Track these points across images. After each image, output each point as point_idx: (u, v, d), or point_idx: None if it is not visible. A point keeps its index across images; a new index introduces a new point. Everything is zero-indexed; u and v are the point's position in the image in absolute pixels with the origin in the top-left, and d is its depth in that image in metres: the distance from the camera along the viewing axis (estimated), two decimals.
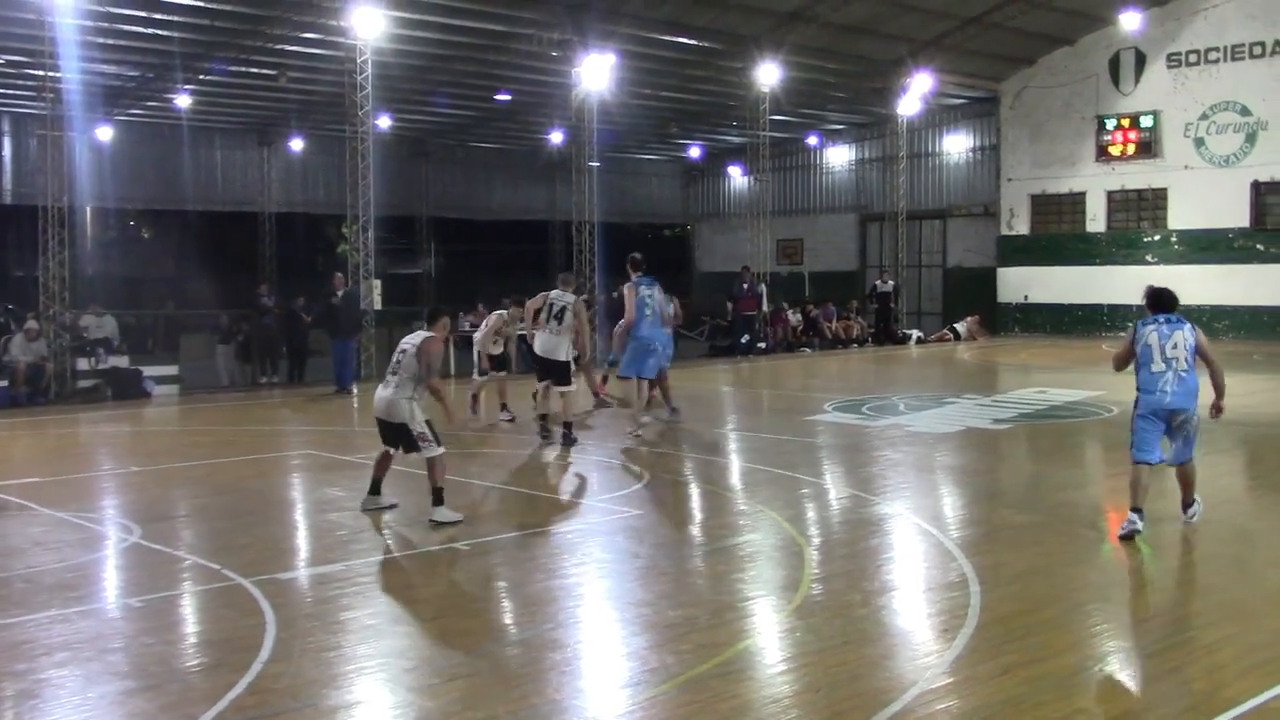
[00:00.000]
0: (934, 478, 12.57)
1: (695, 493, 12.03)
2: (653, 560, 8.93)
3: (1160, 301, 9.34)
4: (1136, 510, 8.99)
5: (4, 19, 21.89)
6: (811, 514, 10.80)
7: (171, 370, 22.33)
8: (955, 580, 8.02)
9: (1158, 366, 9.07)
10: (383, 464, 10.40)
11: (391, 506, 10.40)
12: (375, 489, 10.44)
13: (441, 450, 9.99)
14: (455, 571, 8.70)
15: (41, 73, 23.34)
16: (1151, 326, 9.18)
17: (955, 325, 34.65)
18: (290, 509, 11.50)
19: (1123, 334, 9.43)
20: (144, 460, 14.08)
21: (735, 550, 9.26)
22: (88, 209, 35.63)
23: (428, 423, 10.02)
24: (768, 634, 7.19)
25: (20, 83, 27.32)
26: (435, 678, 6.33)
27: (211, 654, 6.81)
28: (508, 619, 7.65)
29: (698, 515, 11.08)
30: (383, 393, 10.14)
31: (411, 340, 10.18)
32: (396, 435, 10.11)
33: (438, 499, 9.95)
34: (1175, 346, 9.07)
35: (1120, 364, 9.48)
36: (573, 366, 14.39)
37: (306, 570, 8.85)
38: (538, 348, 14.64)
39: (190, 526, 10.50)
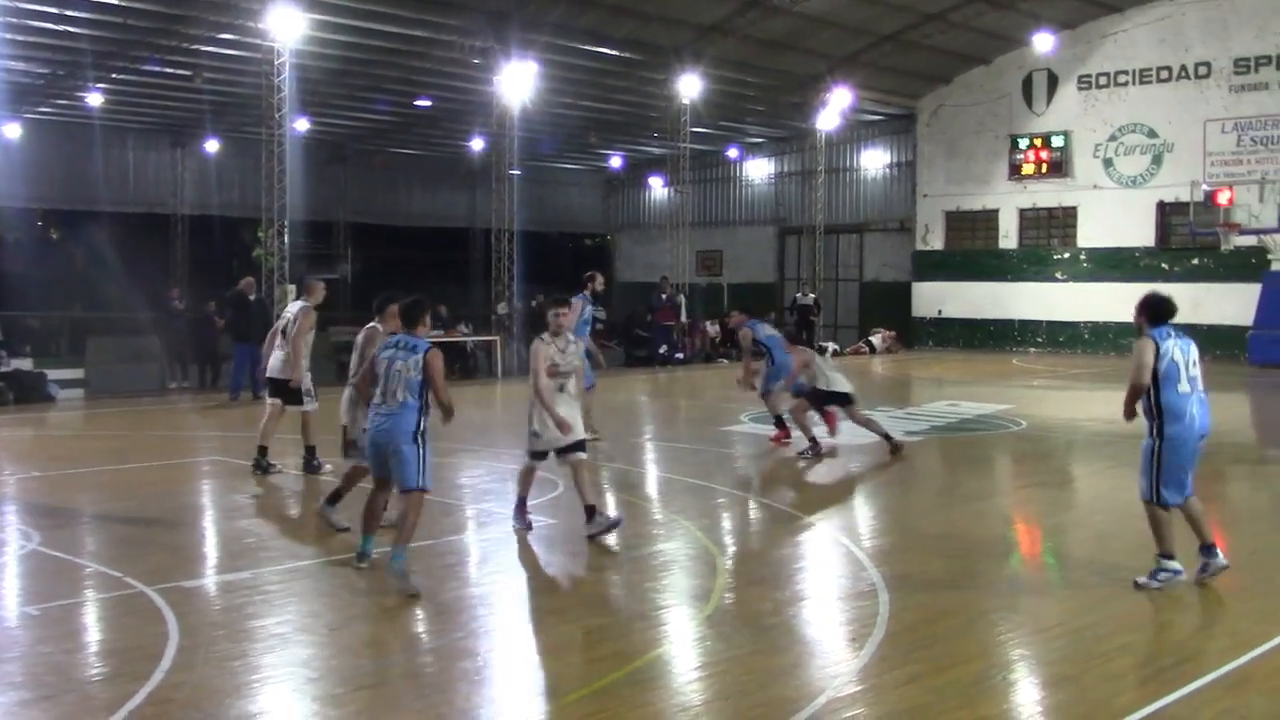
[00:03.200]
0: (847, 488, 12.71)
1: (611, 501, 12.01)
2: (566, 569, 8.91)
3: (1169, 311, 8.13)
4: (1171, 556, 7.98)
5: None
6: (726, 524, 10.85)
7: (77, 374, 21.82)
8: (865, 589, 8.11)
9: (1184, 387, 7.93)
10: (352, 478, 9.82)
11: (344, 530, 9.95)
12: (337, 499, 9.83)
13: (313, 408, 10.06)
14: (366, 580, 8.60)
15: None
16: (1173, 340, 7.97)
17: (870, 338, 35.08)
18: (197, 516, 11.28)
19: (1133, 353, 8.10)
20: (45, 465, 13.73)
21: (649, 559, 9.27)
22: None
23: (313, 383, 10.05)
24: (680, 642, 7.21)
25: None
26: (342, 687, 6.25)
27: (112, 663, 6.66)
28: (419, 627, 7.58)
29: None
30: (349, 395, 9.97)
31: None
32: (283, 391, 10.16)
33: (335, 499, 9.77)
34: (1195, 364, 8.02)
35: (1141, 389, 7.93)
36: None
37: (213, 578, 8.70)
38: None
39: (92, 533, 10.26)
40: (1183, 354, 7.98)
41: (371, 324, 10.07)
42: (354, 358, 10.10)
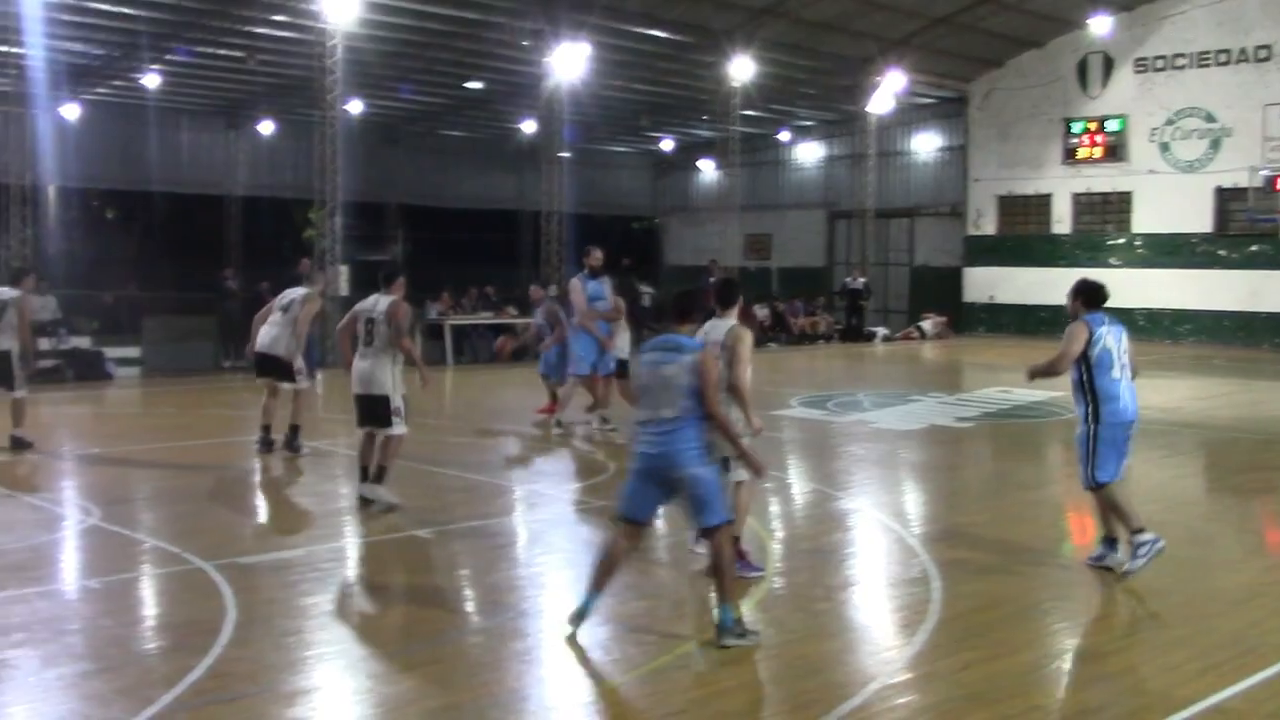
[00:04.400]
0: (897, 474, 12.65)
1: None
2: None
3: (1103, 297, 8.35)
4: (1142, 530, 7.91)
5: None
6: (775, 508, 10.82)
7: (134, 352, 22.13)
8: (917, 576, 8.07)
9: (1116, 373, 8.10)
10: (368, 450, 9.96)
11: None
12: (367, 476, 9.97)
13: (405, 431, 9.92)
14: (418, 559, 8.68)
15: (6, 49, 23.10)
16: (1106, 327, 8.19)
17: (921, 323, 34.84)
18: (252, 493, 11.42)
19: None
20: (103, 442, 13.95)
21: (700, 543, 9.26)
22: (51, 188, 35.23)
23: (404, 398, 9.96)
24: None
25: None
26: (395, 665, 6.31)
27: (170, 637, 6.77)
28: (470, 607, 7.64)
29: (662, 508, 11.07)
30: (361, 364, 9.89)
31: (376, 307, 9.91)
32: (375, 410, 9.86)
33: (382, 477, 9.80)
34: (1125, 352, 8.21)
35: (1060, 373, 8.19)
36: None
37: (268, 555, 8.80)
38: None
39: (150, 509, 10.42)
40: (1115, 340, 8.18)
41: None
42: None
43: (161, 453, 12.83)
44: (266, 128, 36.34)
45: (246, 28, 25.80)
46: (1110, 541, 8.19)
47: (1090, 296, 8.30)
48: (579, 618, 6.66)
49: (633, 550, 7.03)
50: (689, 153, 43.84)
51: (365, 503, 9.84)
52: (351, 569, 8.55)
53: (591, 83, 28.83)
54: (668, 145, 44.06)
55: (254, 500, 11.15)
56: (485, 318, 26.94)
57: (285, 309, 12.40)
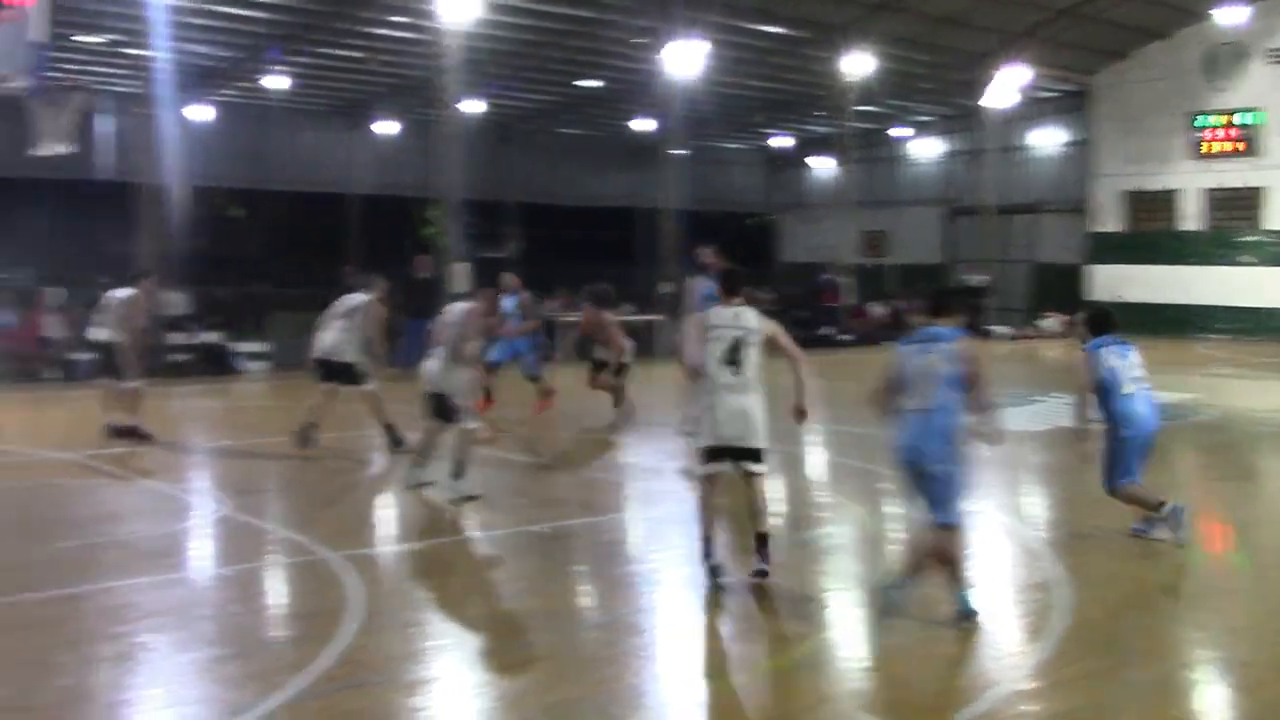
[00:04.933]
0: (1022, 476, 12.38)
1: (777, 484, 11.96)
2: (732, 550, 8.89)
3: (1108, 323, 9.11)
4: (1162, 503, 8.64)
5: None
6: (893, 509, 10.68)
7: (262, 347, 22.73)
8: (1041, 581, 7.90)
9: (1128, 389, 8.61)
10: (434, 435, 10.41)
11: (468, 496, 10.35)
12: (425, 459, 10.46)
13: (477, 426, 10.14)
14: (535, 554, 8.75)
15: (138, 52, 23.89)
16: (1107, 349, 8.78)
17: (1039, 322, 34.09)
18: (375, 486, 11.64)
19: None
20: (233, 434, 14.34)
21: (816, 542, 9.22)
22: (181, 187, 36.33)
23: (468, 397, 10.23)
24: (848, 628, 7.14)
25: (119, 62, 27.90)
26: (514, 658, 6.38)
27: (298, 625, 6.94)
28: (587, 602, 7.68)
29: (778, 506, 11.02)
30: (433, 365, 10.22)
31: (454, 313, 10.37)
32: (441, 406, 10.15)
33: (460, 471, 10.00)
34: (1135, 366, 8.80)
35: (1089, 397, 8.71)
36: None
37: (391, 547, 8.97)
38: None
39: (279, 500, 10.69)
40: (1120, 359, 8.73)
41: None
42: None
43: (288, 445, 13.14)
44: (386, 127, 37.00)
45: (367, 29, 26.32)
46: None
47: (1096, 322, 9.08)
48: (968, 616, 6.78)
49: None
50: (803, 149, 43.53)
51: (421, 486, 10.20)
52: (472, 562, 8.66)
53: (706, 79, 28.78)
54: (782, 142, 43.80)
55: (377, 493, 11.36)
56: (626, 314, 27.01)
57: (348, 316, 12.57)
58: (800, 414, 7.87)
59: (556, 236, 43.18)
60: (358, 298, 12.72)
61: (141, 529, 9.16)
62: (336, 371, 12.54)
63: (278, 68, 29.84)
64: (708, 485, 7.77)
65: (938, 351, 6.82)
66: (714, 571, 7.55)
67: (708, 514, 7.76)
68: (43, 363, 20.22)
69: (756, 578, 7.48)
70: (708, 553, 7.66)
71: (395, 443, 12.44)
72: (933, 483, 6.73)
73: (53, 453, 12.23)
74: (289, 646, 6.53)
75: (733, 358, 7.57)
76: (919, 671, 6.22)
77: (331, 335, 12.53)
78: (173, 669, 6.15)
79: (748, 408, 7.61)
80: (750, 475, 7.67)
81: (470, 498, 9.94)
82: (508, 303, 15.43)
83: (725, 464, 7.69)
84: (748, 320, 7.72)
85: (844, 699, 5.90)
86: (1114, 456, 8.63)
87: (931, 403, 6.75)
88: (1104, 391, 8.60)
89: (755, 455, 7.68)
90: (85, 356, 19.88)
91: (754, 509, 7.69)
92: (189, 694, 5.84)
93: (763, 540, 7.61)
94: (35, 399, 12.74)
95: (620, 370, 15.01)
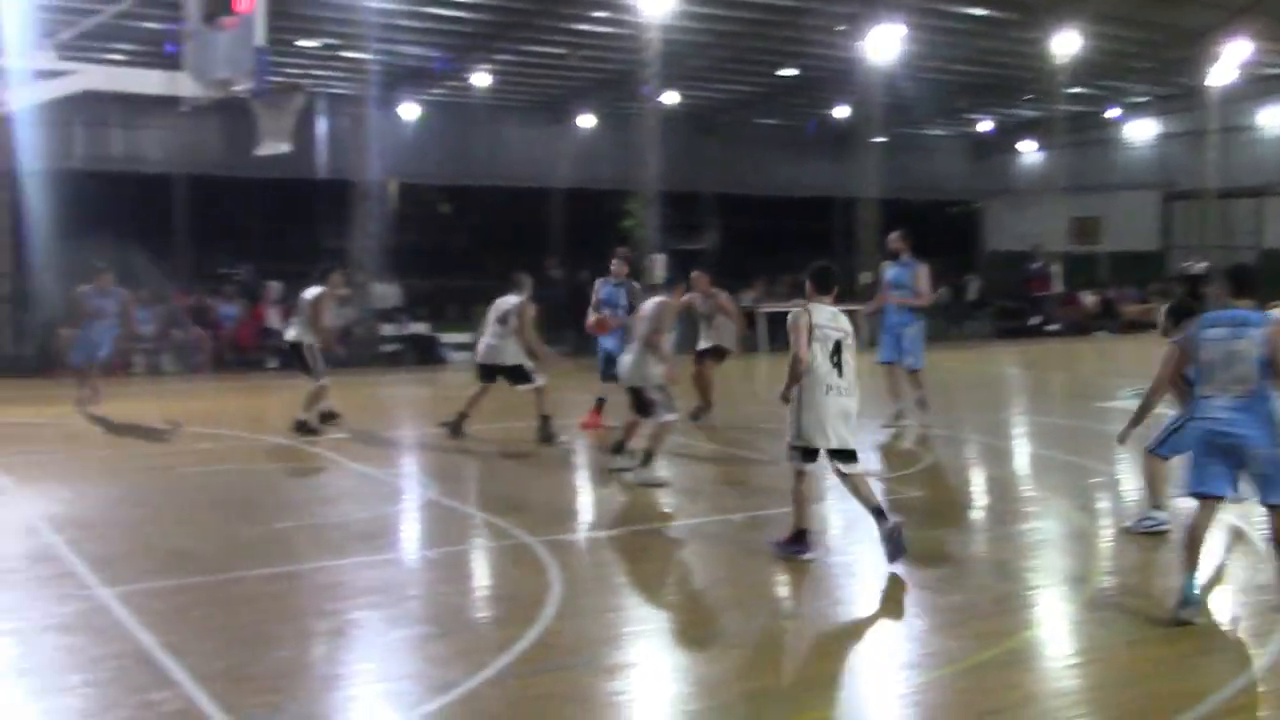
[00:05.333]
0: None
1: (978, 477, 11.68)
2: (932, 543, 8.71)
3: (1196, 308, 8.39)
4: (1159, 508, 8.65)
5: (320, 3, 23.37)
6: (1104, 504, 10.29)
7: (467, 338, 23.40)
8: (1266, 582, 7.46)
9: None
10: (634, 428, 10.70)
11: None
12: (619, 449, 10.84)
13: (674, 418, 10.30)
14: (732, 543, 8.76)
15: (353, 55, 24.87)
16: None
17: (1274, 311, 32.19)
18: (574, 474, 11.85)
19: None
20: (440, 421, 14.78)
21: (1021, 537, 8.95)
22: (392, 184, 37.73)
23: (662, 389, 10.28)
24: (1054, 625, 6.92)
25: (334, 64, 29.10)
26: (710, 645, 6.40)
27: (500, 607, 7.13)
28: (783, 593, 7.64)
29: (982, 499, 10.76)
30: (628, 358, 10.43)
31: (649, 307, 10.50)
32: (638, 400, 10.35)
33: (648, 460, 10.22)
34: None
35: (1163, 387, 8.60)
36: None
37: (590, 533, 9.12)
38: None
39: (482, 486, 10.99)
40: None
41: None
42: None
43: (492, 432, 13.49)
44: (586, 121, 37.56)
45: (569, 25, 26.74)
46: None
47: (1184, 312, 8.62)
48: (1189, 605, 6.61)
49: (1210, 527, 6.87)
50: (1009, 134, 42.22)
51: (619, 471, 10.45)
52: (669, 550, 8.72)
53: (906, 65, 28.22)
54: (986, 126, 42.59)
55: (576, 480, 11.56)
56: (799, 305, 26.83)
57: (502, 320, 12.80)
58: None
59: (754, 227, 43.10)
60: (510, 300, 12.94)
61: (353, 511, 9.55)
62: (503, 373, 12.88)
63: (484, 66, 30.65)
64: (804, 480, 7.96)
65: (1248, 335, 6.64)
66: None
67: (805, 508, 7.96)
68: (264, 352, 21.31)
69: (897, 531, 7.66)
70: (806, 546, 7.84)
71: (546, 438, 12.63)
72: (1261, 467, 6.55)
73: (270, 438, 12.86)
74: (492, 627, 6.71)
75: (835, 359, 7.66)
76: (1128, 672, 5.97)
77: (489, 343, 12.92)
78: (384, 646, 6.40)
79: (851, 409, 7.78)
80: (846, 475, 7.83)
81: (656, 484, 10.07)
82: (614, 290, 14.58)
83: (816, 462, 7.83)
84: (844, 323, 7.83)
85: (1050, 698, 5.71)
86: (1183, 426, 8.33)
87: (1251, 387, 6.58)
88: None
89: (852, 456, 7.81)
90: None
91: (863, 498, 7.86)
92: (398, 670, 6.06)
93: (880, 511, 7.76)
94: (256, 387, 13.46)
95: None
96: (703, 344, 14.51)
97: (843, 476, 7.84)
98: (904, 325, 13.69)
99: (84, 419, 13.94)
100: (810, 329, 7.66)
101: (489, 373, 13.05)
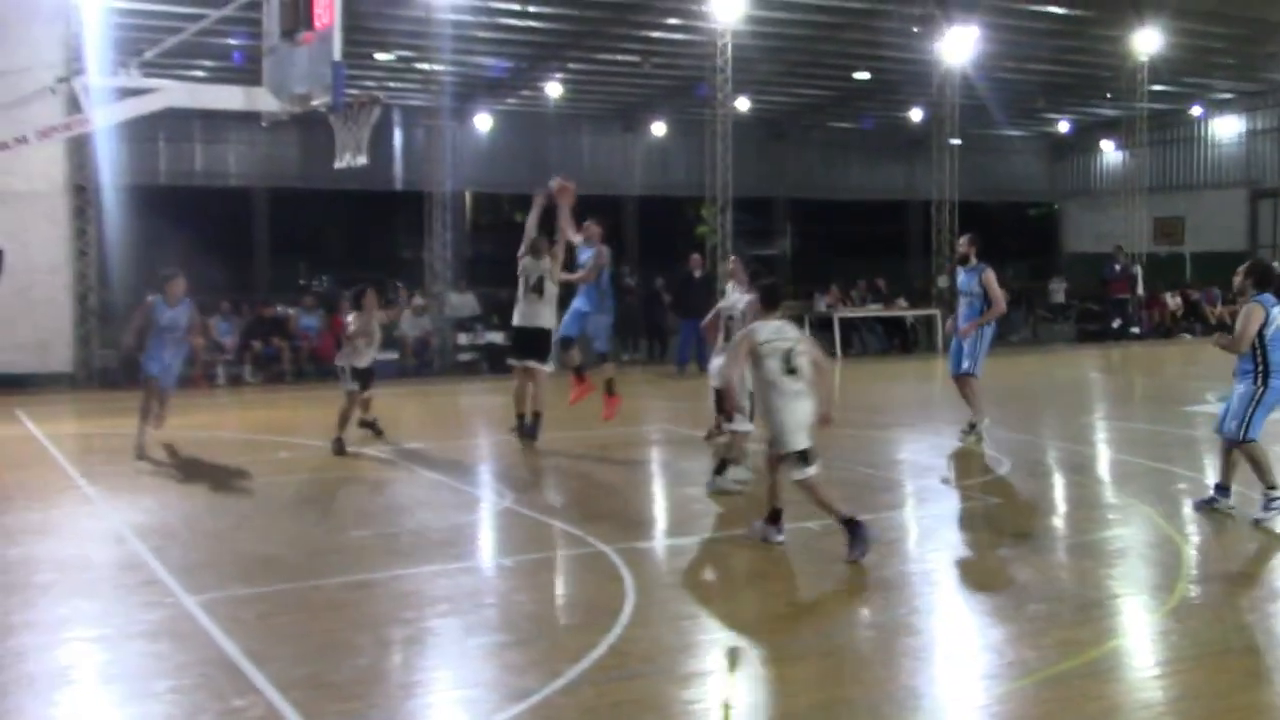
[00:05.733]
0: None
1: (1060, 483, 11.49)
2: (1013, 550, 8.59)
3: (1272, 277, 9.09)
4: (1275, 486, 9.00)
5: (395, 17, 23.66)
6: (1189, 511, 10.07)
7: None
8: None
9: None
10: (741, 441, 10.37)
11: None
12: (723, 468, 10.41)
13: (750, 428, 10.09)
14: (808, 551, 8.69)
15: (427, 67, 25.15)
16: (1278, 308, 8.89)
17: None
18: (648, 482, 11.86)
19: None
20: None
21: (1103, 545, 8.78)
22: (467, 194, 38.10)
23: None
24: (1138, 635, 6.77)
25: (408, 77, 29.47)
26: (786, 654, 6.35)
27: (576, 614, 7.15)
28: (861, 602, 7.57)
29: (1062, 506, 10.59)
30: (717, 362, 10.31)
31: (736, 306, 10.35)
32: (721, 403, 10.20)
33: (721, 468, 10.19)
34: None
35: (1243, 347, 8.92)
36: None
37: (664, 541, 9.11)
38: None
39: (557, 494, 11.04)
40: None
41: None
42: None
43: (566, 441, 13.54)
44: (659, 128, 37.62)
45: (642, 32, 26.80)
46: (1223, 489, 9.24)
47: (1261, 277, 9.01)
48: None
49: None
50: (1089, 133, 41.58)
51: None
52: (744, 557, 8.68)
53: (983, 66, 27.92)
54: (1065, 127, 41.97)
55: (652, 488, 11.57)
56: (874, 310, 26.69)
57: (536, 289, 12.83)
58: (825, 421, 8.31)
59: (828, 232, 42.87)
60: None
61: (429, 520, 9.63)
62: (532, 339, 12.93)
63: (557, 75, 30.83)
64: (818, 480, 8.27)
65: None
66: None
67: (830, 502, 8.26)
68: None
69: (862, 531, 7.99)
70: (862, 537, 7.99)
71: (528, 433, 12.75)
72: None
73: (348, 447, 13.00)
74: (567, 635, 6.72)
75: (789, 366, 8.08)
76: (1215, 683, 5.82)
77: (520, 309, 13.05)
78: (460, 653, 6.44)
79: (810, 410, 8.21)
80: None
81: (727, 492, 10.02)
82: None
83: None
84: (790, 332, 8.27)
85: (1134, 709, 5.59)
86: (1255, 406, 8.93)
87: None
88: (1265, 345, 8.88)
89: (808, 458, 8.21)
90: (382, 357, 21.17)
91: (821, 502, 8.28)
92: (474, 677, 6.10)
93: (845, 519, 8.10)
94: (335, 397, 13.62)
95: None
96: None
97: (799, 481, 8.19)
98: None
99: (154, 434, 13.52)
100: (754, 349, 8.09)
101: (524, 343, 12.91)
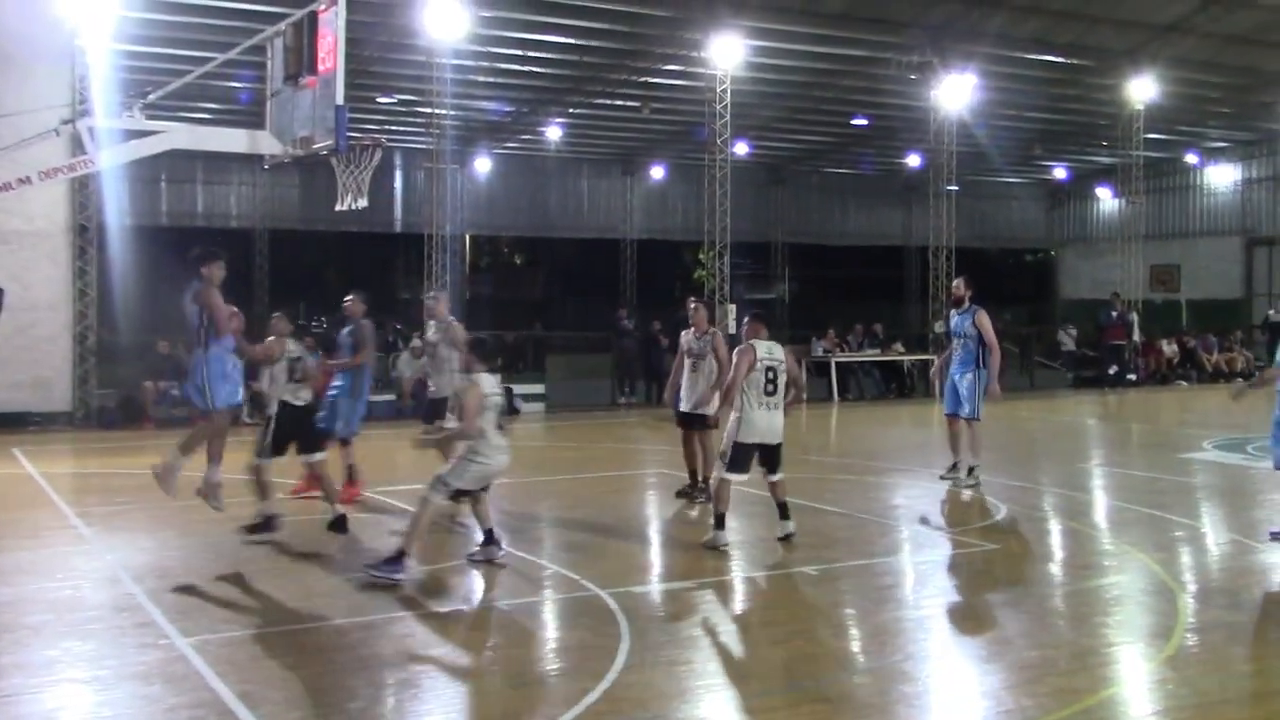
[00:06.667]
0: None
1: (1055, 529, 11.48)
2: (1008, 597, 8.58)
3: None
4: None
5: (397, 61, 23.87)
6: (1186, 558, 10.06)
7: (538, 389, 23.54)
8: None
9: None
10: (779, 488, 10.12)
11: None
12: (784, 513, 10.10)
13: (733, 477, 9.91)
14: (803, 596, 8.69)
15: (429, 110, 25.32)
16: None
17: None
18: (645, 525, 11.83)
19: None
20: (511, 473, 14.84)
21: (1100, 591, 8.76)
22: (467, 236, 38.27)
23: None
24: (1135, 683, 6.75)
25: (409, 120, 29.68)
26: (782, 700, 6.33)
27: (570, 659, 7.11)
28: (856, 647, 7.55)
29: (1058, 553, 10.57)
30: (770, 415, 9.79)
31: (778, 358, 9.95)
32: (774, 455, 9.94)
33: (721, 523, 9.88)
34: None
35: None
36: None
37: (660, 585, 9.08)
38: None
39: (552, 537, 11.01)
40: None
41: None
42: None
43: (562, 484, 13.55)
44: (658, 172, 37.86)
45: (642, 78, 27.03)
46: None
47: None
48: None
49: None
50: (1086, 180, 41.89)
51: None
52: (739, 603, 8.67)
53: (980, 113, 28.17)
54: (1062, 174, 42.27)
55: (648, 532, 11.54)
56: (871, 355, 26.75)
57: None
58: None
59: (826, 276, 43.03)
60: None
61: (424, 563, 9.60)
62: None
63: (557, 119, 31.06)
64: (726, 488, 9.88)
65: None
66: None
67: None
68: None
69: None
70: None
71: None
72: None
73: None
74: (560, 680, 6.69)
75: (770, 383, 9.76)
76: None
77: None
78: (453, 697, 6.44)
79: (779, 422, 9.88)
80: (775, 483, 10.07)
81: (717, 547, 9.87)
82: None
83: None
84: (778, 353, 9.94)
85: None
86: None
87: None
88: None
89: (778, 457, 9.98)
90: (379, 399, 21.16)
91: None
92: None
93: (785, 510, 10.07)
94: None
95: None
96: (688, 406, 12.08)
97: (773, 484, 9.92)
98: (963, 373, 13.26)
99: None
100: (753, 363, 9.70)
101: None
